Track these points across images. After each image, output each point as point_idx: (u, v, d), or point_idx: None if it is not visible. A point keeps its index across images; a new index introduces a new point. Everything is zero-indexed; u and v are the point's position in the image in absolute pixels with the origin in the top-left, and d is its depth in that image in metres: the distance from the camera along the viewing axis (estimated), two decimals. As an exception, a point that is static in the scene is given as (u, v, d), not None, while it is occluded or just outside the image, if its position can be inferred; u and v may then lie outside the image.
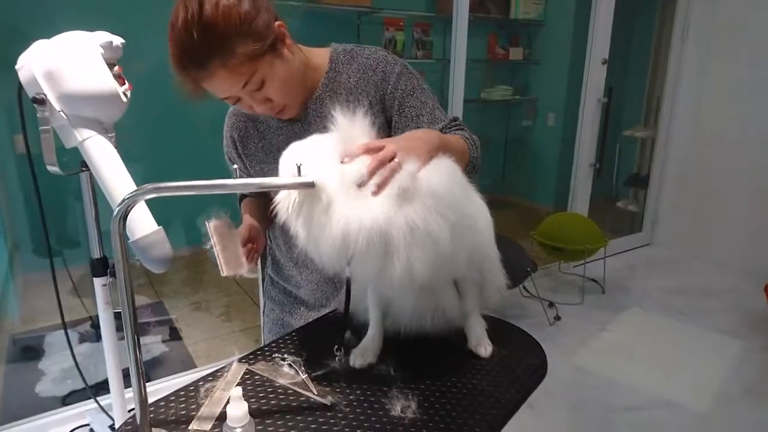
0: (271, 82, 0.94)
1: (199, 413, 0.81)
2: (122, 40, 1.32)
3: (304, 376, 0.91)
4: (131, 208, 0.67)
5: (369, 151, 0.75)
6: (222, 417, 0.80)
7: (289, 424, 0.79)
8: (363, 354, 0.95)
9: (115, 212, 0.66)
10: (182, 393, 0.87)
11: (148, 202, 1.18)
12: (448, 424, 0.80)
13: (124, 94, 1.31)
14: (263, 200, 1.21)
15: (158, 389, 2.09)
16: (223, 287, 3.13)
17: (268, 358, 0.97)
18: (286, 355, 0.97)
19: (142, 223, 1.20)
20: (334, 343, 1.00)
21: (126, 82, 1.33)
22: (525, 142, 4.92)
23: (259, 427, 0.77)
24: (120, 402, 1.55)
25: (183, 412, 0.82)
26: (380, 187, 0.72)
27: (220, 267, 0.93)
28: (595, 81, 3.39)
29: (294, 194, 0.71)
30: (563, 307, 2.97)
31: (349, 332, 1.03)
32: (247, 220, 1.10)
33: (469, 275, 0.97)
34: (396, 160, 0.74)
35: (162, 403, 0.85)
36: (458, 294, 1.00)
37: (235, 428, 0.70)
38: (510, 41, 4.59)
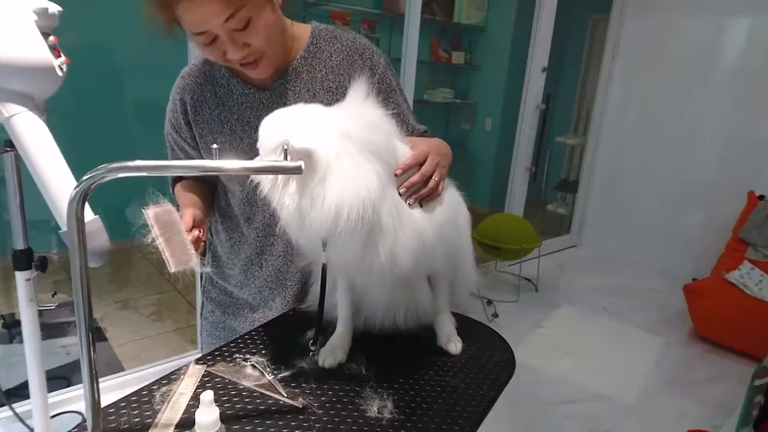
0: (256, 25, 0.86)
1: (156, 420, 0.74)
2: (59, 8, 1.19)
3: (270, 377, 0.85)
4: (93, 188, 0.59)
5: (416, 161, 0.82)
6: (184, 424, 0.73)
7: (259, 429, 0.74)
8: (332, 353, 0.90)
9: (74, 193, 0.59)
10: (134, 398, 0.79)
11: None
12: (426, 423, 0.78)
13: (60, 67, 1.19)
14: (204, 184, 1.12)
15: (82, 395, 1.92)
16: (152, 284, 2.94)
17: (228, 359, 0.90)
18: (248, 356, 0.91)
19: (77, 212, 1.08)
20: (303, 340, 0.96)
21: (62, 54, 1.20)
22: (463, 145, 5.03)
23: (228, 434, 0.71)
24: (42, 408, 1.40)
25: (137, 419, 0.74)
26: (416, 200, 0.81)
27: (166, 262, 0.80)
28: (535, 88, 3.52)
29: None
30: (500, 304, 3.06)
31: (314, 330, 0.98)
32: (188, 204, 1.01)
33: (443, 270, 0.95)
34: (435, 178, 0.84)
35: (112, 410, 0.77)
36: (431, 290, 0.98)
37: (206, 436, 0.63)
38: (452, 45, 4.67)
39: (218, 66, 1.02)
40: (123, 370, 2.08)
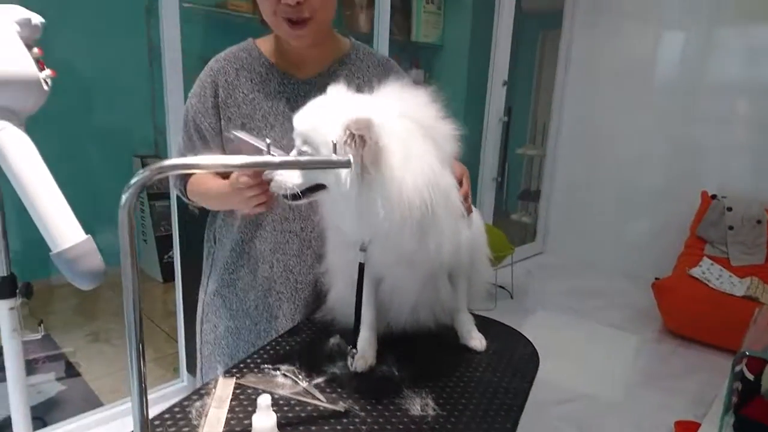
0: None
1: (198, 435, 0.70)
2: (42, 19, 1.14)
3: (305, 384, 0.82)
4: (137, 192, 0.56)
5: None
6: (229, 436, 0.69)
7: (308, 435, 0.71)
8: (363, 356, 0.89)
9: (123, 199, 0.55)
10: (167, 415, 0.74)
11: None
12: (470, 418, 0.77)
13: (45, 81, 1.13)
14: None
15: (58, 435, 1.79)
16: (122, 314, 2.78)
17: (256, 369, 0.87)
18: (276, 365, 0.88)
19: (68, 231, 1.02)
20: (327, 348, 0.94)
21: (46, 67, 1.15)
22: (427, 159, 5.10)
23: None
24: (26, 450, 1.29)
25: (177, 436, 0.70)
26: None
27: (259, 145, 0.80)
28: (497, 101, 3.64)
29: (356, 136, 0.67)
30: (479, 312, 3.09)
31: (338, 336, 0.97)
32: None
33: (465, 265, 0.96)
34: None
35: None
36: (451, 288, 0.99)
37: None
38: (411, 63, 4.77)
39: (257, 54, 1.05)
40: (101, 405, 1.96)
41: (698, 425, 2.06)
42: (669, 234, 3.59)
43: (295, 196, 0.75)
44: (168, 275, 3.06)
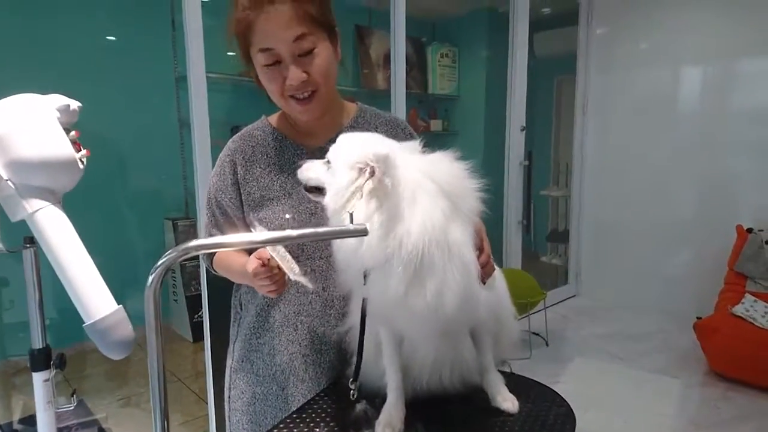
0: (318, 58, 0.97)
1: None
2: (79, 104, 1.22)
3: (332, 455, 0.81)
4: (166, 272, 0.58)
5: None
6: None
7: None
8: (390, 424, 0.87)
9: (150, 280, 0.57)
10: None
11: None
12: (506, 488, 0.74)
13: (81, 160, 1.20)
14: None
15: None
16: (152, 377, 2.81)
17: (283, 440, 0.86)
18: (303, 436, 0.86)
19: (101, 302, 1.06)
20: (354, 413, 0.92)
21: (82, 147, 1.22)
22: (451, 206, 5.11)
23: None
24: None
25: None
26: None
27: (290, 268, 0.88)
28: (516, 146, 3.67)
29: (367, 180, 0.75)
30: (514, 362, 2.99)
31: (365, 402, 0.95)
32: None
33: (487, 322, 0.95)
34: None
35: None
36: (474, 347, 0.97)
37: None
38: (429, 114, 4.87)
39: (270, 130, 1.11)
40: (133, 472, 1.95)
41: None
42: (706, 269, 3.47)
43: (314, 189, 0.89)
44: (198, 335, 3.09)
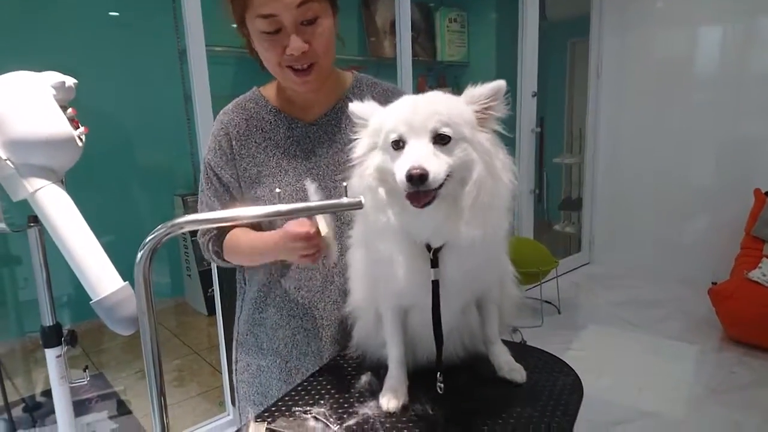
0: (322, 25, 0.93)
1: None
2: (75, 80, 1.20)
3: (336, 427, 0.81)
4: (158, 246, 0.57)
5: None
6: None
7: (338, 484, 0.69)
8: (395, 395, 0.86)
9: (139, 257, 0.56)
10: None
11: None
12: (510, 459, 0.73)
13: (79, 138, 1.19)
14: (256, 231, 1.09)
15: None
16: (169, 349, 2.87)
17: (287, 413, 0.86)
18: (306, 408, 0.87)
19: (107, 279, 1.06)
20: (359, 385, 0.92)
21: (80, 125, 1.21)
22: (462, 175, 5.06)
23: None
24: (79, 495, 1.33)
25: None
26: None
27: (322, 229, 0.85)
28: (528, 113, 3.58)
29: None
30: (526, 330, 2.99)
31: (369, 374, 0.95)
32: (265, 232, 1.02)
33: (491, 292, 0.93)
34: None
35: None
36: (480, 316, 0.96)
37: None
38: (438, 82, 4.77)
39: (263, 103, 1.06)
40: (152, 442, 2.00)
41: (772, 444, 1.91)
42: (723, 235, 3.40)
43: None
44: (212, 309, 3.13)
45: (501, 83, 0.77)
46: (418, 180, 0.65)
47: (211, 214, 0.57)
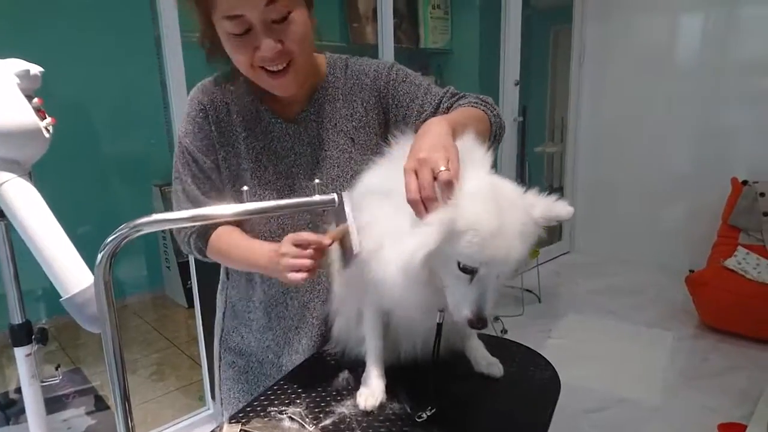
0: (294, 24, 0.85)
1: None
2: (40, 69, 1.16)
3: (311, 428, 0.80)
4: (120, 247, 0.55)
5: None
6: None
7: (312, 486, 0.68)
8: (372, 393, 0.85)
9: (99, 258, 0.54)
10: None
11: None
12: (486, 457, 0.73)
13: (46, 128, 1.15)
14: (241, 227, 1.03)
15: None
16: (148, 343, 2.83)
17: (262, 413, 0.85)
18: (282, 408, 0.85)
19: (76, 276, 1.03)
20: (336, 384, 0.91)
21: (47, 115, 1.16)
22: (444, 164, 5.05)
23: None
24: (53, 494, 1.30)
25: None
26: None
27: (355, 245, 0.71)
28: (510, 101, 3.58)
29: None
30: (506, 319, 3.02)
31: (347, 372, 0.94)
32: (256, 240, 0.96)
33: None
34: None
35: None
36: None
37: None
38: (421, 70, 4.73)
39: (246, 89, 0.98)
40: (130, 438, 1.97)
41: (744, 427, 1.96)
42: (701, 224, 3.46)
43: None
44: (191, 301, 3.09)
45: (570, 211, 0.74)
46: (477, 325, 0.66)
47: (174, 215, 0.55)
